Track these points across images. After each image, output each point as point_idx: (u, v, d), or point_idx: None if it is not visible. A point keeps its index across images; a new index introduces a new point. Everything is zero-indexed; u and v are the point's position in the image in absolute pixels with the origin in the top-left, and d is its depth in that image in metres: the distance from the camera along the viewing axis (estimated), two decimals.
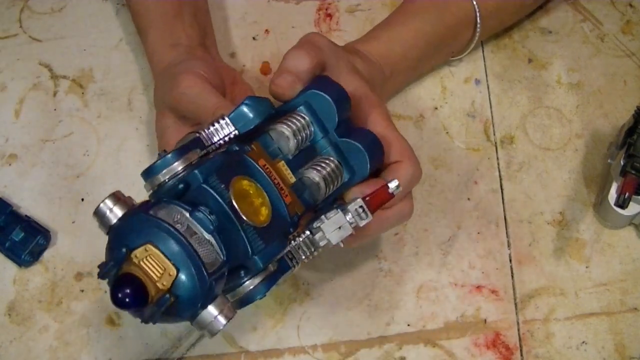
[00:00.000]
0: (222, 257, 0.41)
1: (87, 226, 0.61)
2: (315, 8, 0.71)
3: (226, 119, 0.45)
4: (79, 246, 0.61)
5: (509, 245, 0.60)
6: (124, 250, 0.38)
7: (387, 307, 0.58)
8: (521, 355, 0.56)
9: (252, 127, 0.46)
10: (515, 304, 0.58)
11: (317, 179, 0.47)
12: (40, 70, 0.68)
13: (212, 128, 0.45)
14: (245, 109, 0.46)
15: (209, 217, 0.40)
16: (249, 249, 0.42)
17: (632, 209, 0.57)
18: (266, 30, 0.69)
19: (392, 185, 0.46)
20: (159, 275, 0.38)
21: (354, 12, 0.70)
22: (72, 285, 0.60)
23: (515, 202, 0.61)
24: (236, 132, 0.45)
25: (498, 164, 0.63)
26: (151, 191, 0.43)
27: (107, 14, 0.71)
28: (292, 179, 0.47)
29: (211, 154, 0.44)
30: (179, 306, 0.39)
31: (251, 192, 0.44)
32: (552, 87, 0.66)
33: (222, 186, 0.42)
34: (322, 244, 0.45)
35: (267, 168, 0.46)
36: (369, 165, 0.49)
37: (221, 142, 0.45)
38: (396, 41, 0.59)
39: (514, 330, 0.57)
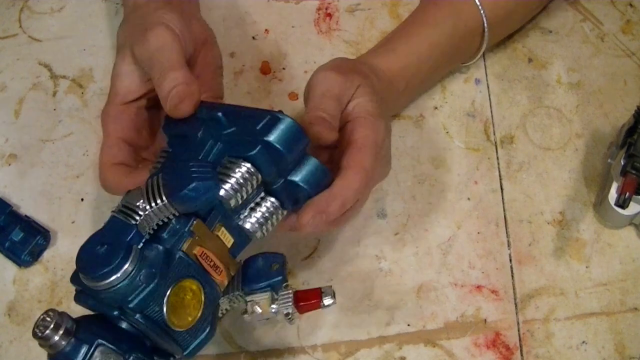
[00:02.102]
0: None
1: (87, 226, 0.61)
2: (315, 8, 0.71)
3: (165, 200, 0.43)
4: (78, 246, 0.61)
5: (509, 245, 0.60)
6: None
7: (387, 307, 0.58)
8: (521, 355, 0.56)
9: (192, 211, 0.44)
10: (515, 304, 0.58)
11: (257, 232, 0.48)
12: (40, 70, 0.68)
13: (149, 210, 0.43)
14: (190, 194, 0.43)
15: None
16: (182, 350, 0.44)
17: (632, 209, 0.57)
18: (266, 30, 0.69)
19: (327, 302, 0.49)
20: None
21: (354, 11, 0.70)
22: (72, 285, 0.59)
23: (515, 202, 0.61)
24: (175, 213, 0.44)
25: (498, 163, 0.63)
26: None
27: (107, 14, 0.71)
28: (231, 241, 0.47)
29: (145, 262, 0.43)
30: None
31: (187, 297, 0.44)
32: (552, 87, 0.66)
33: (157, 309, 0.43)
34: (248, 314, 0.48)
35: (204, 254, 0.45)
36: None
37: (159, 223, 0.44)
38: (412, 54, 0.59)
39: (514, 330, 0.57)
